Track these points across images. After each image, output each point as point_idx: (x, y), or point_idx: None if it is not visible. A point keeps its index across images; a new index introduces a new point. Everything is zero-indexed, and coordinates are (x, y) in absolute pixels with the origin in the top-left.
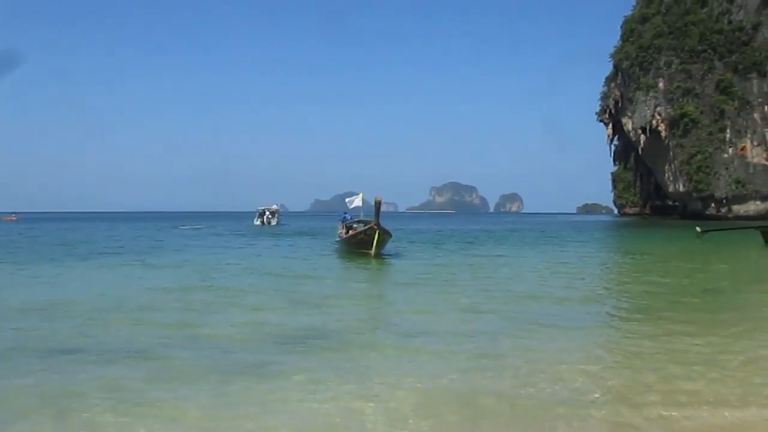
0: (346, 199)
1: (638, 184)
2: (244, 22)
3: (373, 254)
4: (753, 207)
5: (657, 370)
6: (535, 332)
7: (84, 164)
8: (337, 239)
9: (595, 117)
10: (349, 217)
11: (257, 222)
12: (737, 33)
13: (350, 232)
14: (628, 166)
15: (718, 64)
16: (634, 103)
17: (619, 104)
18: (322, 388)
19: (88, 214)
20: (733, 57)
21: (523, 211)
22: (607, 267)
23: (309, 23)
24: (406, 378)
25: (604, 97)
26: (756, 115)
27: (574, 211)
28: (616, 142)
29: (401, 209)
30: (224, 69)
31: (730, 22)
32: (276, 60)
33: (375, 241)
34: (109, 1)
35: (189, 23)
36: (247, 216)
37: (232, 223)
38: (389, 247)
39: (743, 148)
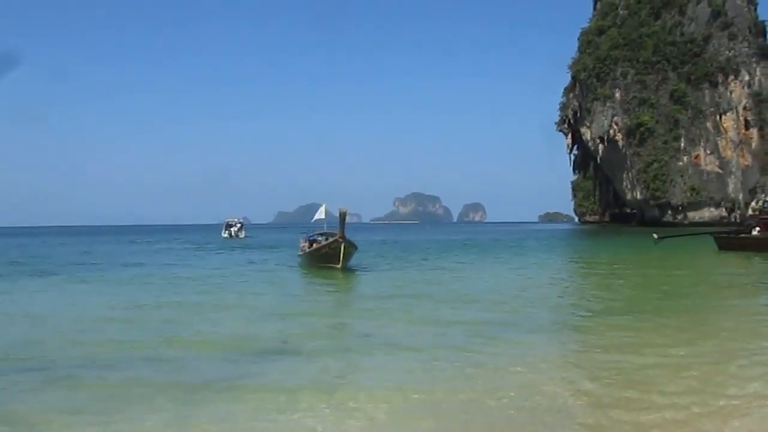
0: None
1: (597, 192)
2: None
3: (340, 268)
4: (707, 213)
5: (619, 383)
6: (502, 343)
7: (50, 177)
8: (300, 253)
9: (555, 127)
10: (314, 237)
11: (225, 234)
12: (689, 45)
13: (314, 245)
14: (588, 174)
15: (671, 74)
16: (592, 113)
17: (578, 114)
18: (294, 401)
19: (52, 229)
20: (686, 68)
21: (487, 220)
22: (568, 276)
23: (273, 35)
24: (379, 390)
25: (563, 107)
26: (708, 124)
27: (536, 220)
28: (575, 151)
29: (365, 220)
30: (183, 83)
31: (682, 34)
32: (236, 70)
33: (341, 255)
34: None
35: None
36: (212, 228)
37: (198, 236)
38: (355, 259)
39: (697, 157)
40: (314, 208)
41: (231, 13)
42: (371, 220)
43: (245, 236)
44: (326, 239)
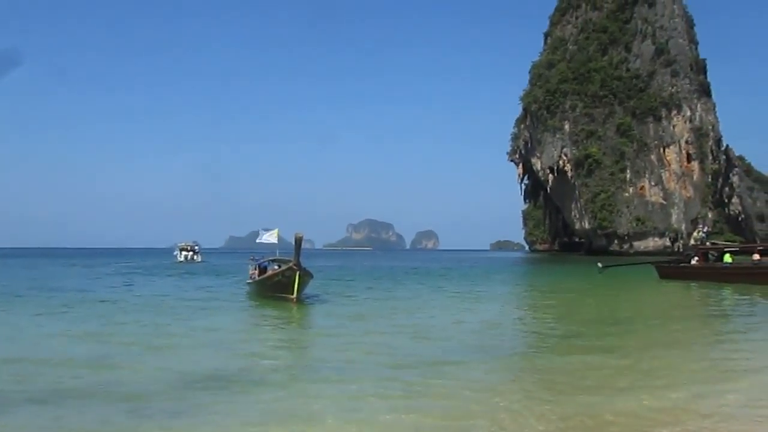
0: (260, 234)
1: (547, 221)
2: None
3: (294, 299)
4: (652, 243)
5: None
6: (451, 374)
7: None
8: (249, 281)
9: (507, 157)
10: (265, 263)
11: (180, 258)
12: (635, 80)
13: (268, 271)
14: (538, 204)
15: (618, 108)
16: (542, 144)
17: (529, 145)
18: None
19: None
20: (632, 102)
21: (439, 247)
22: (516, 305)
23: (222, 56)
24: (330, 422)
25: (515, 137)
26: (653, 157)
27: (488, 248)
28: (526, 181)
29: (318, 246)
30: (131, 108)
31: (628, 70)
32: (188, 97)
33: (296, 284)
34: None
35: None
36: (158, 253)
37: (147, 260)
38: (309, 287)
39: (642, 188)
40: (266, 232)
41: (175, 28)
42: (324, 246)
43: (201, 260)
44: (279, 266)
